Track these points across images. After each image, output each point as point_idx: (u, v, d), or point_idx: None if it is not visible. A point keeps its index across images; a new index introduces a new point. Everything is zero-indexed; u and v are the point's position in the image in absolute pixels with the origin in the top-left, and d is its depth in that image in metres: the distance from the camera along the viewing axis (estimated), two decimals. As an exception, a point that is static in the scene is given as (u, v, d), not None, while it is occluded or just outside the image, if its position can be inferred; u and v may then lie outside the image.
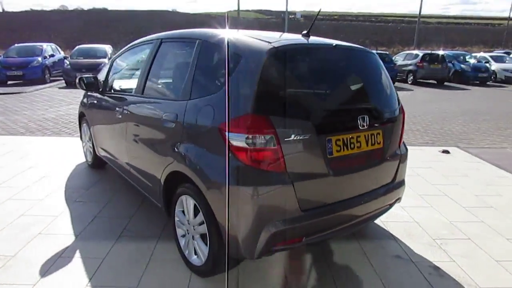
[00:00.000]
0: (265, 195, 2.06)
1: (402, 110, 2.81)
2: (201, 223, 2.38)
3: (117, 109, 3.40)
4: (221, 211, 2.15)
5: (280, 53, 2.17)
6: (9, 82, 14.20)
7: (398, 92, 2.96)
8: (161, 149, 2.68)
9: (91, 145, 4.46)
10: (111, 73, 3.89)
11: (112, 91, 3.78)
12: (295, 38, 2.45)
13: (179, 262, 2.68)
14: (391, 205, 2.84)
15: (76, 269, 2.59)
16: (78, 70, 13.78)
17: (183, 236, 2.67)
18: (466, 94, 14.15)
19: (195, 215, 2.44)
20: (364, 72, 2.59)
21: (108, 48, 16.02)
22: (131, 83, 3.41)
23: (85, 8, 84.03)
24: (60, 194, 3.84)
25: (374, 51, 2.87)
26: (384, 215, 2.99)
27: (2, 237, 2.99)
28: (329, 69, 2.42)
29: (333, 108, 2.32)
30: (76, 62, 14.09)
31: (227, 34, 2.50)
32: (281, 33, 2.78)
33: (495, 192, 4.20)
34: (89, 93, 4.36)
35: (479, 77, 17.10)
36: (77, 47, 15.72)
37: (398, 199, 2.88)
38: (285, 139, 2.06)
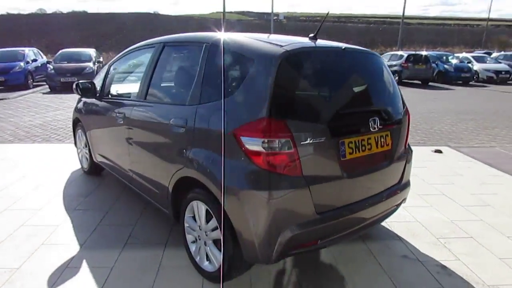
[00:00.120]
0: (282, 199, 2.06)
1: (407, 112, 2.85)
2: (214, 229, 2.36)
3: (117, 114, 3.35)
4: (237, 216, 2.14)
5: (293, 57, 2.18)
6: (-10, 89, 13.85)
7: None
8: (169, 155, 2.65)
9: (87, 152, 4.38)
10: (108, 78, 3.83)
11: (111, 96, 3.73)
12: (304, 41, 2.46)
13: (189, 268, 2.65)
14: (397, 206, 2.88)
15: (85, 279, 2.54)
16: (62, 75, 13.56)
17: (193, 242, 2.64)
18: (451, 94, 14.46)
19: (207, 220, 2.42)
20: (371, 74, 2.62)
21: (92, 52, 15.76)
22: (132, 88, 3.37)
23: (64, 11, 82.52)
24: (59, 203, 3.75)
25: None
26: (388, 215, 3.02)
27: (3, 249, 2.90)
28: (340, 71, 2.44)
29: (345, 110, 2.34)
30: (60, 67, 13.81)
31: (234, 37, 2.50)
32: (286, 36, 2.78)
33: (490, 191, 4.30)
34: (84, 99, 4.28)
35: (462, 77, 17.50)
36: (60, 51, 15.41)
37: (404, 200, 2.92)
38: (301, 143, 2.07)
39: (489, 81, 18.27)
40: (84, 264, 2.71)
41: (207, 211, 2.40)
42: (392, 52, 20.39)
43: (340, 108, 2.32)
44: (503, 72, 18.12)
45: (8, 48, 15.78)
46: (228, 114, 2.20)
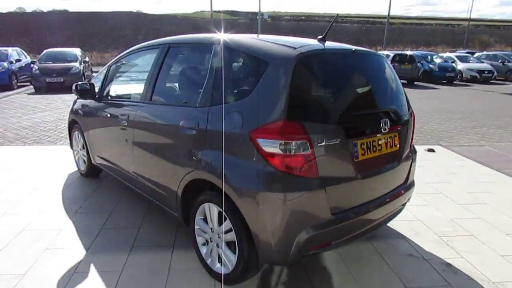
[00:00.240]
0: (299, 200, 2.08)
1: (412, 112, 2.91)
2: (227, 231, 2.36)
3: (120, 116, 3.31)
4: (254, 218, 2.14)
5: (307, 59, 2.20)
6: (-27, 90, 13.47)
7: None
8: (179, 157, 2.63)
9: (84, 154, 4.32)
10: (108, 79, 3.78)
11: (112, 97, 3.68)
12: (314, 43, 2.48)
13: (200, 271, 2.64)
14: (403, 205, 2.93)
15: (95, 284, 2.50)
16: (48, 75, 13.31)
17: (204, 244, 2.64)
18: (436, 93, 14.75)
19: (220, 223, 2.41)
20: (380, 75, 2.66)
21: (78, 51, 15.50)
22: (135, 89, 3.34)
23: (44, 10, 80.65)
24: (59, 206, 3.69)
25: None
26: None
27: (7, 254, 2.84)
28: (350, 73, 2.48)
29: (358, 112, 2.38)
30: (45, 67, 13.53)
31: (244, 39, 2.51)
32: (293, 37, 2.79)
33: (484, 189, 4.40)
34: (82, 100, 4.22)
35: (447, 76, 17.86)
36: (45, 51, 15.09)
37: (409, 199, 2.97)
38: (318, 144, 2.09)
39: (473, 80, 18.71)
40: (92, 268, 2.67)
41: (219, 213, 2.40)
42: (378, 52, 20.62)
43: (353, 109, 2.35)
44: (486, 72, 18.58)
45: (-10, 48, 15.37)
46: (243, 116, 2.20)
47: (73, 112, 4.43)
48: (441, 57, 20.00)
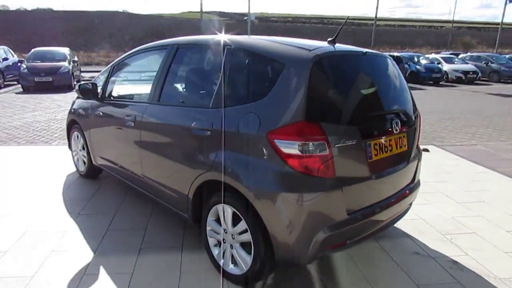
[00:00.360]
0: (317, 200, 2.09)
1: (418, 113, 2.95)
2: (243, 232, 2.36)
3: (126, 117, 3.27)
4: (272, 219, 2.15)
5: (323, 61, 2.21)
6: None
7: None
8: (191, 158, 2.62)
9: (85, 154, 4.26)
10: (111, 80, 3.73)
11: (116, 98, 3.64)
12: (325, 45, 2.50)
13: (212, 272, 2.63)
14: (410, 205, 2.98)
15: (106, 286, 2.47)
16: (36, 74, 13.07)
17: (216, 245, 2.63)
18: (424, 94, 14.99)
19: (235, 223, 2.41)
20: (389, 77, 2.70)
21: (66, 50, 15.25)
22: (142, 90, 3.31)
23: (29, 9, 78.91)
24: (60, 208, 3.63)
25: None
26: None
27: (12, 257, 2.78)
28: (363, 75, 2.51)
29: (372, 113, 2.41)
30: (34, 66, 13.28)
31: (257, 41, 2.51)
32: (302, 39, 2.81)
33: (481, 187, 4.50)
34: (83, 100, 4.16)
35: (433, 77, 18.18)
36: (33, 50, 14.82)
37: (415, 198, 3.02)
38: (335, 145, 2.11)
39: (458, 81, 19.08)
40: (102, 270, 2.63)
41: (233, 214, 2.40)
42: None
43: (367, 110, 2.38)
44: (470, 73, 18.97)
45: (-25, 46, 15.02)
46: (260, 117, 2.20)
47: (73, 112, 4.36)
48: (427, 58, 20.34)
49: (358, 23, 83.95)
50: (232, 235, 2.44)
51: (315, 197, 2.09)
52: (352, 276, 2.67)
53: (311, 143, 2.06)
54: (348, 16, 2.95)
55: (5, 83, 14.10)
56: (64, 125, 7.46)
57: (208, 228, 2.63)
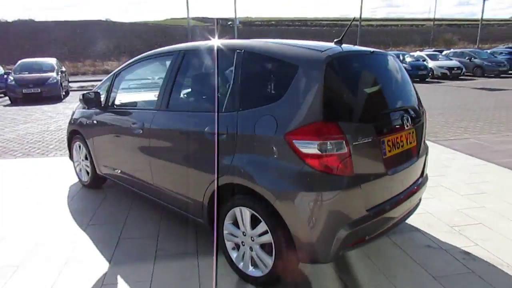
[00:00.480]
0: (338, 198, 2.12)
1: (424, 109, 3.02)
2: (263, 233, 2.37)
3: (133, 125, 3.26)
4: (294, 219, 2.17)
5: (335, 61, 2.26)
6: None
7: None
8: (205, 163, 2.62)
9: (88, 164, 4.22)
10: (114, 88, 3.71)
11: (120, 106, 3.62)
12: (334, 46, 2.54)
13: (232, 275, 2.64)
14: (420, 199, 3.03)
15: (127, 295, 2.46)
16: (24, 86, 12.91)
17: (234, 248, 2.64)
18: (412, 91, 15.21)
19: (254, 226, 2.42)
20: (396, 74, 2.76)
21: (54, 61, 15.07)
22: (148, 97, 3.30)
23: (9, 20, 77.44)
24: (68, 219, 3.59)
25: None
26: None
27: (25, 271, 2.74)
28: (373, 73, 2.57)
29: (384, 110, 2.46)
30: (22, 78, 13.10)
31: (266, 44, 2.54)
32: (310, 41, 2.84)
33: (480, 179, 4.60)
34: (84, 110, 4.12)
35: (419, 74, 18.48)
36: (19, 61, 14.62)
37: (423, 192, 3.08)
38: (353, 143, 2.14)
39: (443, 77, 19.43)
40: (120, 280, 2.62)
41: (252, 216, 2.41)
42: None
43: (380, 108, 2.43)
44: (455, 69, 19.34)
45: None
46: (277, 119, 2.23)
47: (73, 122, 4.32)
48: (412, 56, 20.67)
49: (341, 24, 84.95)
50: (251, 237, 2.45)
51: (335, 195, 2.12)
52: (369, 272, 2.71)
53: (329, 142, 2.09)
54: (354, 18, 3.01)
55: (-8, 96, 13.86)
56: (58, 136, 7.39)
57: (225, 231, 2.64)
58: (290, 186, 2.16)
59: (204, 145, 2.64)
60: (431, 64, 19.79)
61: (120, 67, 3.81)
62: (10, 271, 2.72)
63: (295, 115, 2.17)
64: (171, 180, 3.02)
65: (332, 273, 2.68)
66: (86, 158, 4.23)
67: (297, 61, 2.27)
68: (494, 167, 5.08)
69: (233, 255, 2.63)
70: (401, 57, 19.65)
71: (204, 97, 2.98)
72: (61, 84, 13.93)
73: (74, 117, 4.39)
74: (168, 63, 3.11)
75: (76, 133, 4.31)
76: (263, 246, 2.42)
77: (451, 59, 20.94)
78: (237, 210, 2.50)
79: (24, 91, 12.76)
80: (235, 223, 2.57)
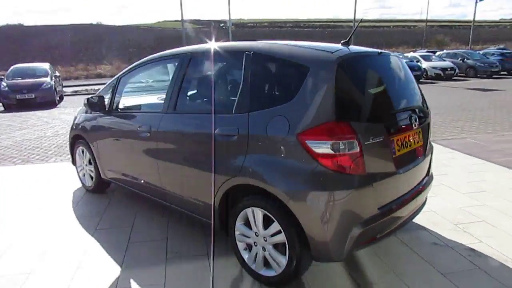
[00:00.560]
0: (351, 197, 2.17)
1: (429, 109, 3.08)
2: (276, 233, 2.40)
3: (139, 128, 3.28)
4: (309, 218, 2.20)
5: (346, 62, 2.30)
6: None
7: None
8: (216, 165, 2.65)
9: (92, 169, 4.22)
10: (118, 91, 3.73)
11: (124, 110, 3.63)
12: (342, 47, 2.58)
13: (244, 276, 2.66)
14: (426, 198, 3.09)
15: (141, 298, 2.47)
16: (18, 92, 12.83)
17: (246, 249, 2.66)
18: (407, 91, 15.35)
19: (266, 226, 2.45)
20: (403, 75, 2.81)
21: (47, 66, 14.99)
22: (154, 100, 3.32)
23: (-3, 25, 76.66)
24: (75, 224, 3.59)
25: None
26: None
27: (38, 278, 2.73)
28: (381, 74, 2.62)
29: (393, 110, 2.51)
30: (15, 83, 13.01)
31: (275, 46, 2.59)
32: (317, 42, 2.88)
33: (480, 178, 4.68)
34: (87, 114, 4.13)
35: (414, 75, 18.33)
36: (12, 67, 14.52)
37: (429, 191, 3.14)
38: (365, 143, 2.19)
39: (437, 78, 19.64)
40: (134, 283, 2.63)
41: (264, 216, 2.44)
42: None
43: (389, 108, 2.48)
44: (448, 69, 19.56)
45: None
46: (289, 119, 2.26)
47: (76, 127, 4.32)
48: (406, 57, 20.87)
49: (333, 26, 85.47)
50: (264, 237, 2.48)
51: (349, 194, 2.16)
52: (379, 270, 2.75)
53: (342, 142, 2.13)
54: (361, 19, 3.06)
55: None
56: (56, 142, 7.36)
57: (236, 232, 2.66)
58: (304, 186, 2.20)
59: (217, 146, 2.66)
60: (424, 65, 20.00)
61: (124, 70, 3.83)
62: (21, 278, 2.71)
63: (308, 116, 2.21)
64: (180, 182, 3.04)
65: (343, 272, 2.72)
66: (90, 163, 4.22)
67: (308, 62, 2.31)
68: (492, 166, 5.17)
69: (245, 255, 2.66)
70: (394, 58, 19.80)
71: (211, 99, 3.00)
72: (55, 89, 13.86)
73: (76, 122, 4.39)
74: (174, 66, 3.14)
75: (79, 138, 4.31)
76: (276, 246, 2.45)
77: (444, 60, 21.17)
78: (249, 210, 2.52)
79: (18, 97, 12.67)
80: (247, 224, 2.59)
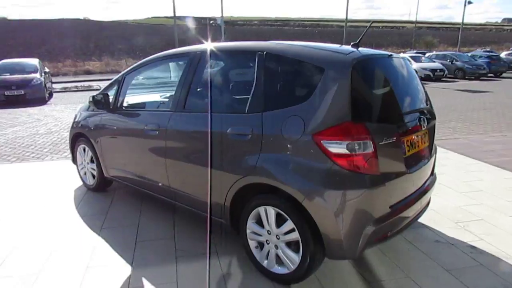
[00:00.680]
0: (365, 196, 2.22)
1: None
2: (289, 231, 2.44)
3: (146, 126, 3.28)
4: (324, 217, 2.25)
5: (360, 64, 2.35)
6: None
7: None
8: (227, 164, 2.68)
9: (94, 167, 4.19)
10: (124, 89, 3.71)
11: (130, 108, 3.63)
12: (352, 49, 2.63)
13: (256, 273, 2.70)
14: (430, 198, 3.17)
15: (155, 297, 2.49)
16: (6, 88, 12.57)
17: (257, 247, 2.70)
18: (397, 92, 15.56)
19: (279, 224, 2.49)
20: (411, 77, 2.88)
21: (36, 62, 14.73)
22: (162, 98, 3.32)
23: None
24: (80, 224, 3.57)
25: None
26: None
27: (47, 278, 2.71)
28: (392, 76, 2.68)
29: (404, 111, 2.57)
30: (3, 79, 12.74)
31: (288, 46, 2.62)
32: (329, 43, 2.92)
33: (476, 178, 4.80)
34: (89, 112, 4.10)
35: (403, 76, 18.85)
36: (0, 62, 14.21)
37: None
38: (379, 143, 2.24)
39: (426, 78, 19.90)
40: (146, 282, 2.64)
41: (277, 214, 2.48)
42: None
43: (400, 109, 2.54)
44: (438, 70, 19.88)
45: None
46: (304, 119, 2.30)
47: (78, 125, 4.28)
48: (396, 57, 21.07)
49: (323, 25, 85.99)
50: (276, 235, 2.52)
51: (363, 193, 2.21)
52: (386, 266, 2.82)
53: (357, 142, 2.19)
54: (372, 21, 3.11)
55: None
56: (50, 139, 7.28)
57: (248, 231, 2.69)
58: (319, 185, 2.24)
59: (227, 146, 2.69)
60: (414, 65, 20.20)
61: (129, 68, 3.81)
62: (31, 279, 2.68)
63: (323, 116, 2.25)
64: (189, 181, 3.05)
65: (351, 269, 2.79)
66: (92, 161, 4.20)
67: (323, 64, 2.35)
68: (486, 166, 5.31)
69: (257, 253, 2.69)
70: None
71: (224, 98, 3.02)
72: (45, 85, 13.65)
73: (77, 119, 4.35)
74: (183, 64, 3.14)
75: (81, 136, 4.28)
76: (288, 244, 2.50)
77: (434, 61, 21.48)
78: (261, 209, 2.56)
79: (6, 93, 12.42)
80: (259, 222, 2.63)
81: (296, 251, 2.44)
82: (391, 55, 2.73)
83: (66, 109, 11.61)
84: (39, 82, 13.14)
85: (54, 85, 17.43)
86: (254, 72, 2.63)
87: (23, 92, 12.67)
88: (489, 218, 3.61)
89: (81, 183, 4.56)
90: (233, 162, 2.64)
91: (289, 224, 2.42)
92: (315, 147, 2.25)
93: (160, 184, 3.34)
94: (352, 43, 2.75)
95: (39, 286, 2.61)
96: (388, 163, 2.35)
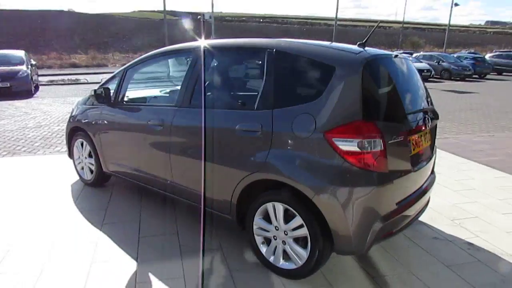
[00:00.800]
0: (375, 193, 2.27)
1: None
2: (297, 227, 2.47)
3: (150, 121, 3.26)
4: (334, 213, 2.29)
5: (370, 63, 2.40)
6: None
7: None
8: (235, 160, 2.69)
9: (92, 162, 4.15)
10: (125, 84, 3.68)
11: (131, 102, 3.60)
12: (359, 48, 2.67)
13: (262, 268, 2.73)
14: (429, 197, 3.25)
15: (164, 292, 2.49)
16: (-8, 80, 12.21)
17: (264, 243, 2.73)
18: (386, 91, 15.78)
19: (287, 220, 2.52)
20: (415, 77, 2.94)
21: (22, 54, 14.38)
22: (167, 94, 3.31)
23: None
24: (80, 219, 3.53)
25: None
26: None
27: (51, 274, 2.68)
28: (398, 75, 2.73)
29: (411, 110, 2.63)
30: (-11, 71, 12.41)
31: (297, 44, 2.65)
32: (336, 43, 2.96)
33: (468, 176, 4.93)
34: (88, 106, 4.05)
35: (391, 75, 19.12)
36: (-16, 53, 13.84)
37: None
38: (389, 142, 2.30)
39: (414, 78, 20.22)
40: (153, 277, 2.64)
41: (285, 211, 2.51)
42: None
43: (408, 108, 2.60)
44: (425, 71, 20.17)
45: None
46: (315, 117, 2.33)
47: (75, 119, 4.22)
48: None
49: (311, 23, 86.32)
50: (284, 231, 2.55)
51: (372, 190, 2.27)
52: (388, 262, 2.89)
53: (368, 141, 2.23)
54: (380, 21, 3.15)
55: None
56: (41, 133, 7.15)
57: (255, 227, 2.72)
58: (330, 182, 2.28)
59: (235, 142, 2.70)
60: (401, 65, 20.54)
61: (131, 62, 3.77)
62: (33, 276, 2.64)
63: (335, 114, 2.29)
64: (194, 177, 3.05)
65: (355, 264, 2.84)
66: (90, 156, 4.16)
67: (334, 62, 2.39)
68: (476, 165, 5.45)
69: (263, 249, 2.72)
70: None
71: (232, 95, 3.03)
72: (31, 78, 13.35)
73: (74, 113, 4.30)
74: (188, 60, 3.13)
75: (78, 130, 4.22)
76: (296, 240, 2.53)
77: (421, 62, 21.80)
78: (269, 205, 2.59)
79: (-8, 85, 12.12)
80: (266, 218, 2.66)
81: (304, 246, 2.48)
82: (397, 55, 2.79)
83: (54, 102, 11.40)
84: (25, 74, 12.84)
85: (39, 78, 17.07)
86: (263, 69, 2.65)
87: (8, 85, 12.36)
88: (483, 216, 3.72)
89: (77, 178, 4.51)
90: (241, 159, 2.66)
91: (297, 220, 2.46)
92: (326, 144, 2.28)
93: (162, 179, 3.33)
94: (358, 43, 2.79)
95: (45, 281, 2.59)
96: (396, 161, 2.41)
